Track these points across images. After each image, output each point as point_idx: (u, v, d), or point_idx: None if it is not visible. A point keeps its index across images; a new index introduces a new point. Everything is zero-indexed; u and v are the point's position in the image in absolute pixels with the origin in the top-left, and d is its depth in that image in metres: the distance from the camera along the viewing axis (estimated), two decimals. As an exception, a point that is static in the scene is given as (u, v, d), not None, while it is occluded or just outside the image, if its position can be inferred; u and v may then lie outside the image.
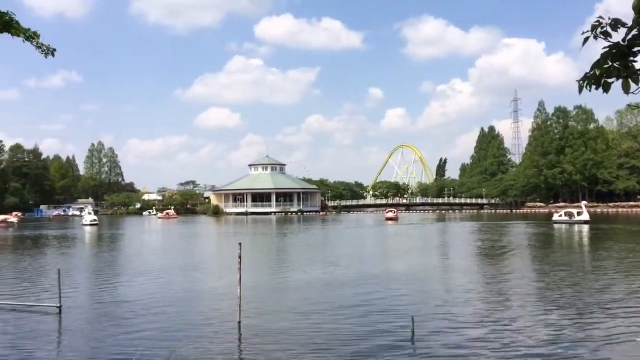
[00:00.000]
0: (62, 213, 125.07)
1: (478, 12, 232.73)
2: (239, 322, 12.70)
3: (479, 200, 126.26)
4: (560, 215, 58.16)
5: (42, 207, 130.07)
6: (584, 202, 61.08)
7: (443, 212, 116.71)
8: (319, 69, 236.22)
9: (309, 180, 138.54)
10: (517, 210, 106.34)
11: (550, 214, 68.91)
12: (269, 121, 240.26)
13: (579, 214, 55.84)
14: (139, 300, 16.34)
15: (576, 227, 51.07)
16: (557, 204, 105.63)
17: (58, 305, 14.48)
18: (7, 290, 18.46)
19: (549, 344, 10.86)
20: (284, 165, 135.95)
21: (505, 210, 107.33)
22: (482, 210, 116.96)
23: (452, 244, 36.40)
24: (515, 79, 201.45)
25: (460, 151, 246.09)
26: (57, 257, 30.79)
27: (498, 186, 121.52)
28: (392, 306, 14.89)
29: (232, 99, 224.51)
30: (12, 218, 79.73)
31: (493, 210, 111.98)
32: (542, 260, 25.63)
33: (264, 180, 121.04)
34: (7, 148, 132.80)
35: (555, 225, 53.84)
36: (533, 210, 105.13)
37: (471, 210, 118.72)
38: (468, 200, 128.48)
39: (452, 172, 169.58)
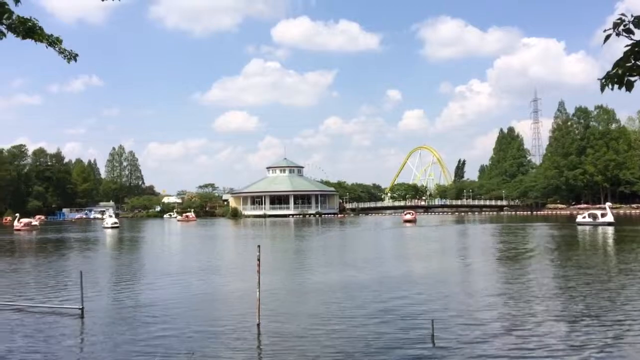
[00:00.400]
0: (84, 216, 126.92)
1: (496, 12, 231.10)
2: (258, 325, 12.73)
3: (499, 202, 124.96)
4: (584, 217, 57.41)
5: (65, 210, 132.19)
6: (608, 204, 60.10)
7: (462, 214, 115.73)
8: (336, 71, 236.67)
9: (327, 183, 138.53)
10: (538, 212, 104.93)
11: (572, 216, 67.97)
12: (287, 124, 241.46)
13: (603, 215, 55.01)
14: (159, 302, 16.48)
15: (600, 229, 50.26)
16: (579, 206, 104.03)
17: (80, 307, 14.68)
18: (31, 293, 18.79)
19: (575, 349, 10.65)
20: (302, 167, 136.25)
21: (525, 212, 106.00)
22: (502, 212, 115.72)
23: (472, 247, 36.06)
24: (535, 79, 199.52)
25: (479, 152, 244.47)
26: (79, 260, 31.23)
27: (518, 188, 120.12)
28: (411, 309, 14.78)
29: (250, 102, 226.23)
30: (35, 221, 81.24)
31: (513, 212, 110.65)
32: (566, 262, 25.21)
33: (282, 183, 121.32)
34: (30, 152, 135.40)
35: (579, 227, 53.06)
36: (554, 212, 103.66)
37: (491, 212, 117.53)
38: (487, 202, 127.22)
39: (471, 174, 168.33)
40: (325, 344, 11.44)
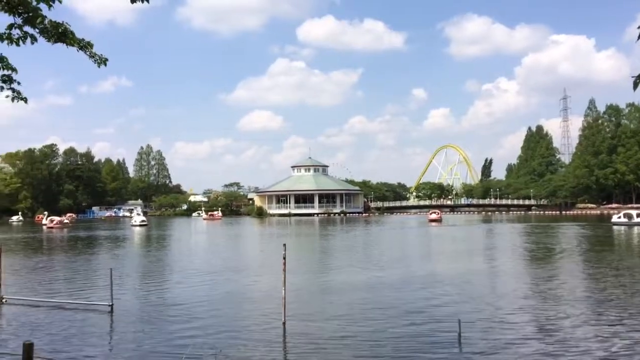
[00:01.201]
0: (113, 214, 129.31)
1: (524, 9, 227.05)
2: (284, 323, 12.82)
3: (527, 202, 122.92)
4: (620, 217, 56.33)
5: (94, 208, 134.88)
6: None
7: (489, 213, 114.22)
8: (361, 70, 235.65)
9: (352, 182, 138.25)
10: (567, 212, 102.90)
11: (602, 216, 66.51)
12: (312, 123, 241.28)
13: (638, 215, 53.81)
14: (186, 300, 16.73)
15: (636, 229, 49.14)
16: (610, 206, 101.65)
17: (110, 304, 15.00)
18: (63, 290, 19.27)
19: (611, 355, 10.41)
20: (327, 166, 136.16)
21: (554, 212, 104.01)
22: (530, 212, 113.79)
23: (500, 246, 35.56)
24: (564, 77, 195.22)
25: (507, 151, 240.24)
26: (109, 258, 31.88)
27: (547, 187, 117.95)
28: (437, 309, 14.70)
29: (275, 101, 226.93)
30: (67, 219, 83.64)
31: (541, 212, 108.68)
32: (599, 263, 24.66)
33: (306, 182, 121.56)
34: (61, 152, 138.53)
35: (615, 227, 51.96)
36: (584, 212, 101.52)
37: (518, 212, 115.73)
38: (515, 202, 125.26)
39: (498, 173, 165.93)
40: (350, 345, 11.46)
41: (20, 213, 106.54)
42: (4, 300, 16.33)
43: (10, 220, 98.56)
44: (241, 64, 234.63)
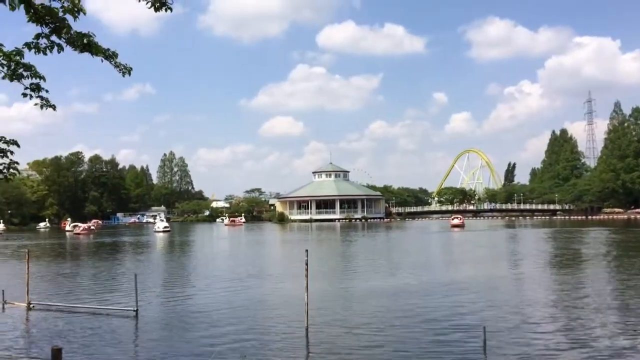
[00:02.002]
0: (137, 220, 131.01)
1: (547, 12, 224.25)
2: (307, 328, 12.80)
3: (551, 207, 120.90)
4: None
5: (119, 214, 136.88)
6: None
7: (513, 218, 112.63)
8: (382, 75, 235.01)
9: (373, 187, 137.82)
10: (593, 217, 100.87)
11: (630, 221, 65.04)
12: (332, 128, 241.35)
13: None
14: (209, 305, 16.82)
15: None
16: (638, 210, 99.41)
17: (135, 309, 15.18)
18: (88, 295, 19.56)
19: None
20: (348, 172, 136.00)
21: (579, 217, 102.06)
22: (555, 217, 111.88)
23: (524, 252, 34.97)
24: (589, 80, 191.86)
25: (530, 155, 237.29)
26: (133, 263, 32.29)
27: (572, 191, 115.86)
28: (461, 316, 14.52)
29: (295, 107, 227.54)
30: (92, 225, 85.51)
31: (567, 217, 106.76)
32: (630, 269, 24.04)
33: (327, 187, 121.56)
34: (87, 159, 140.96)
35: None
36: (611, 217, 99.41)
37: (543, 217, 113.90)
38: (539, 207, 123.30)
39: (522, 177, 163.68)
40: (374, 352, 11.38)
41: (47, 220, 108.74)
42: (31, 306, 16.64)
43: (37, 227, 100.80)
44: (262, 70, 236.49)
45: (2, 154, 6.79)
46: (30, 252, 19.27)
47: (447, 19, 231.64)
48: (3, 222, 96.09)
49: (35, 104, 6.49)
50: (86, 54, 6.50)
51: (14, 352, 11.65)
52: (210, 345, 11.87)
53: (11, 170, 6.98)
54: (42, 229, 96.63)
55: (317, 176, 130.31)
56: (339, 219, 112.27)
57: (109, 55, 6.39)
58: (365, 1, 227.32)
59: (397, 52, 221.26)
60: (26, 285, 17.07)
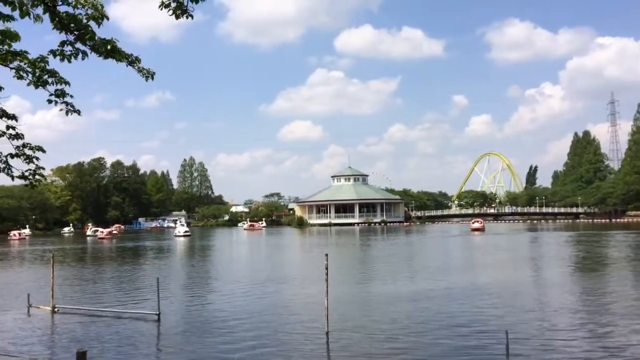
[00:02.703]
0: (158, 225, 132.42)
1: (567, 13, 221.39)
2: (327, 333, 12.77)
3: (574, 210, 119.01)
4: None
5: (140, 219, 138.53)
6: None
7: (534, 222, 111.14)
8: (400, 79, 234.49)
9: (392, 191, 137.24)
10: (618, 220, 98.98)
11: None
12: (351, 132, 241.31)
13: None
14: (231, 309, 16.90)
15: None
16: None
17: (157, 312, 15.31)
18: (111, 298, 19.80)
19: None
20: (367, 175, 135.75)
21: (603, 220, 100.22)
22: (578, 220, 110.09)
23: (547, 256, 34.44)
24: (611, 81, 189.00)
25: (552, 158, 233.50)
26: (155, 267, 32.62)
27: (595, 194, 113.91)
28: (483, 320, 14.35)
29: (314, 111, 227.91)
30: (115, 230, 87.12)
31: (590, 220, 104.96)
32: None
33: (346, 191, 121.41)
34: (109, 165, 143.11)
35: None
36: (635, 220, 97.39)
37: (565, 220, 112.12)
38: (562, 210, 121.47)
39: (544, 180, 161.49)
40: (396, 353, 11.30)
41: (71, 225, 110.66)
42: (56, 310, 16.89)
43: (62, 232, 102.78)
44: (281, 75, 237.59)
45: (28, 161, 6.89)
46: (54, 256, 19.55)
47: (465, 21, 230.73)
48: (28, 227, 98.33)
49: (61, 110, 6.60)
50: (109, 61, 6.60)
51: (40, 355, 11.82)
52: (232, 350, 11.90)
53: (37, 176, 7.08)
54: (66, 234, 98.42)
55: (336, 180, 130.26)
56: (358, 223, 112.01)
57: (133, 61, 6.48)
58: (382, 5, 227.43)
59: (415, 55, 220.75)
60: (51, 289, 17.35)
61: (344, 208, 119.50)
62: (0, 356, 10.77)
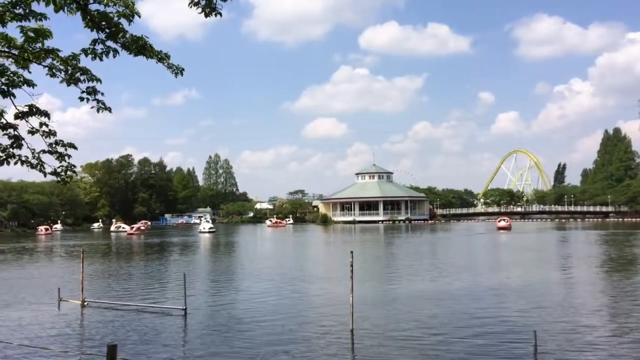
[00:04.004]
0: (184, 222, 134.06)
1: (598, 7, 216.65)
2: (352, 331, 12.75)
3: (603, 208, 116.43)
4: None
5: (167, 215, 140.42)
6: None
7: (563, 220, 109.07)
8: (426, 76, 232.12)
9: (417, 189, 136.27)
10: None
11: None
12: (376, 130, 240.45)
13: None
14: (256, 306, 17.01)
15: None
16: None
17: (184, 307, 15.50)
18: (139, 293, 20.13)
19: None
20: (391, 173, 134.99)
21: (634, 219, 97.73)
22: (607, 219, 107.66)
23: (576, 255, 33.73)
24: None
25: (582, 156, 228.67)
26: (181, 263, 33.03)
27: (626, 193, 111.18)
28: (510, 320, 14.15)
29: (339, 108, 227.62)
30: (142, 226, 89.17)
31: (620, 219, 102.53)
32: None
33: (371, 189, 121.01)
34: (136, 162, 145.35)
35: None
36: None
37: (595, 219, 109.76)
38: (591, 209, 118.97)
39: (573, 179, 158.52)
40: (420, 355, 11.21)
41: (100, 220, 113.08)
42: (85, 304, 17.24)
43: (92, 227, 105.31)
44: (305, 72, 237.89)
45: (60, 158, 7.00)
46: (84, 251, 19.94)
47: (493, 17, 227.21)
48: (60, 223, 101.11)
49: (92, 107, 6.71)
50: (135, 59, 6.69)
51: (70, 347, 12.08)
52: (257, 345, 11.98)
53: (68, 172, 7.19)
54: (95, 229, 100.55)
55: (360, 177, 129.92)
56: (382, 221, 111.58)
57: (162, 57, 6.55)
58: (408, 1, 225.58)
59: (441, 51, 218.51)
60: (81, 284, 17.71)
61: (368, 206, 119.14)
62: (32, 348, 11.02)
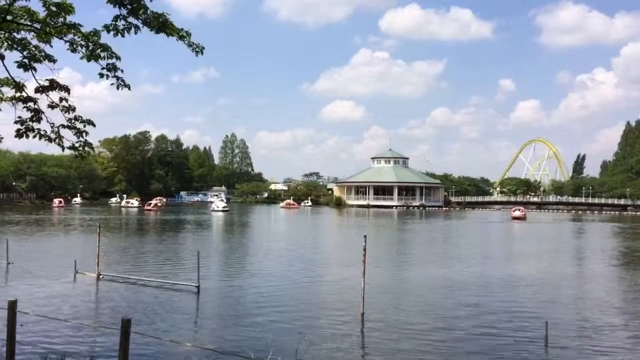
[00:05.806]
0: (200, 200, 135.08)
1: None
2: (362, 314, 12.80)
3: (622, 202, 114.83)
4: None
5: (182, 193, 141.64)
6: None
7: (579, 212, 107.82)
8: (446, 61, 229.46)
9: (432, 175, 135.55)
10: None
11: None
12: (393, 114, 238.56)
13: None
14: (267, 285, 17.17)
15: None
16: None
17: (197, 285, 15.69)
18: (154, 268, 20.40)
19: None
20: (407, 158, 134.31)
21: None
22: (625, 212, 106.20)
23: (590, 248, 33.40)
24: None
25: (602, 147, 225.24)
26: (196, 240, 33.38)
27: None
28: (521, 310, 14.10)
29: (357, 91, 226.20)
30: (159, 202, 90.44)
31: (637, 213, 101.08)
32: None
33: (386, 174, 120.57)
34: (153, 138, 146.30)
35: None
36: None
37: (612, 212, 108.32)
38: (609, 201, 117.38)
39: (592, 170, 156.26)
40: (430, 341, 11.25)
41: (117, 195, 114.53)
42: (101, 277, 17.53)
43: (109, 202, 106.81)
44: (324, 54, 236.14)
45: (78, 133, 7.02)
46: (101, 225, 20.21)
47: (517, 3, 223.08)
48: (79, 196, 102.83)
49: (112, 84, 6.71)
50: (160, 35, 6.67)
51: (84, 319, 12.31)
52: (269, 323, 12.11)
53: (86, 148, 7.20)
54: (113, 204, 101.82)
55: (376, 162, 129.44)
56: (396, 206, 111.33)
57: (183, 35, 6.53)
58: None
59: (463, 37, 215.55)
60: (97, 257, 17.98)
61: (382, 190, 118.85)
62: (47, 319, 11.25)
